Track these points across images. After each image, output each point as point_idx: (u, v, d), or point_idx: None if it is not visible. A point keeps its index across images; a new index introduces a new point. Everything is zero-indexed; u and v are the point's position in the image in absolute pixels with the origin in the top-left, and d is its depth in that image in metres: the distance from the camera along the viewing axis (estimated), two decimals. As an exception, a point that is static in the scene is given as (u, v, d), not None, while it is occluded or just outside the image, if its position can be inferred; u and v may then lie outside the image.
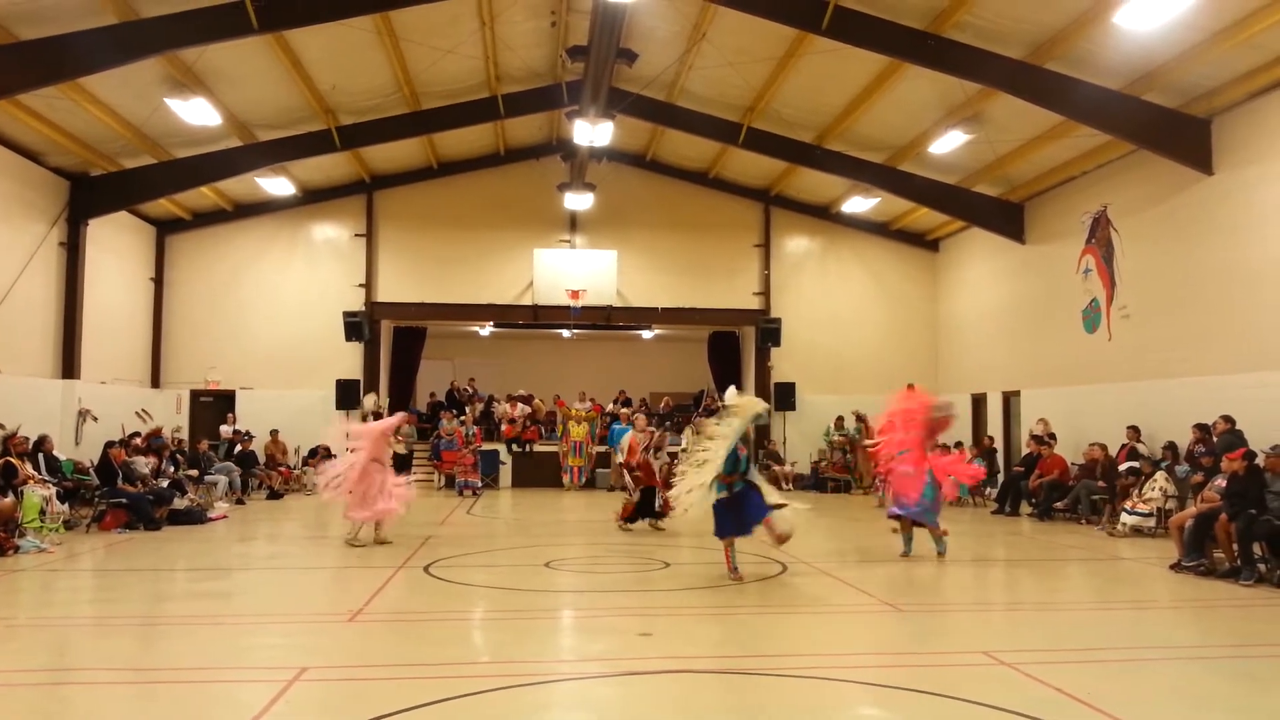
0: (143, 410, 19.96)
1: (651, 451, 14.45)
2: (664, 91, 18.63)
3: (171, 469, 16.32)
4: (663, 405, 25.37)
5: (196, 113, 15.76)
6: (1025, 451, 17.58)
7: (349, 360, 22.46)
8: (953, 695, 5.58)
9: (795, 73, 16.61)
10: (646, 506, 13.76)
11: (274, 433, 21.07)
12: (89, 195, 18.09)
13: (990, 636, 7.37)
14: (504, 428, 23.27)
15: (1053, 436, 16.74)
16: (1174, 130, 14.61)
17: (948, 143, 17.13)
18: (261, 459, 20.35)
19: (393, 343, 24.27)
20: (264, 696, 5.50)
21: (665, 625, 7.94)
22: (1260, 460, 10.13)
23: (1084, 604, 9.38)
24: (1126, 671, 6.39)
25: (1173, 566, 10.23)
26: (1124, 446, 15.15)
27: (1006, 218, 20.02)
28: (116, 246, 19.93)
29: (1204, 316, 14.62)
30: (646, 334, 27.38)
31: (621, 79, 17.75)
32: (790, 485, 21.72)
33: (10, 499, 11.90)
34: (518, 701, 5.60)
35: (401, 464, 21.64)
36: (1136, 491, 13.72)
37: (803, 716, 5.45)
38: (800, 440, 23.11)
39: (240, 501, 18.00)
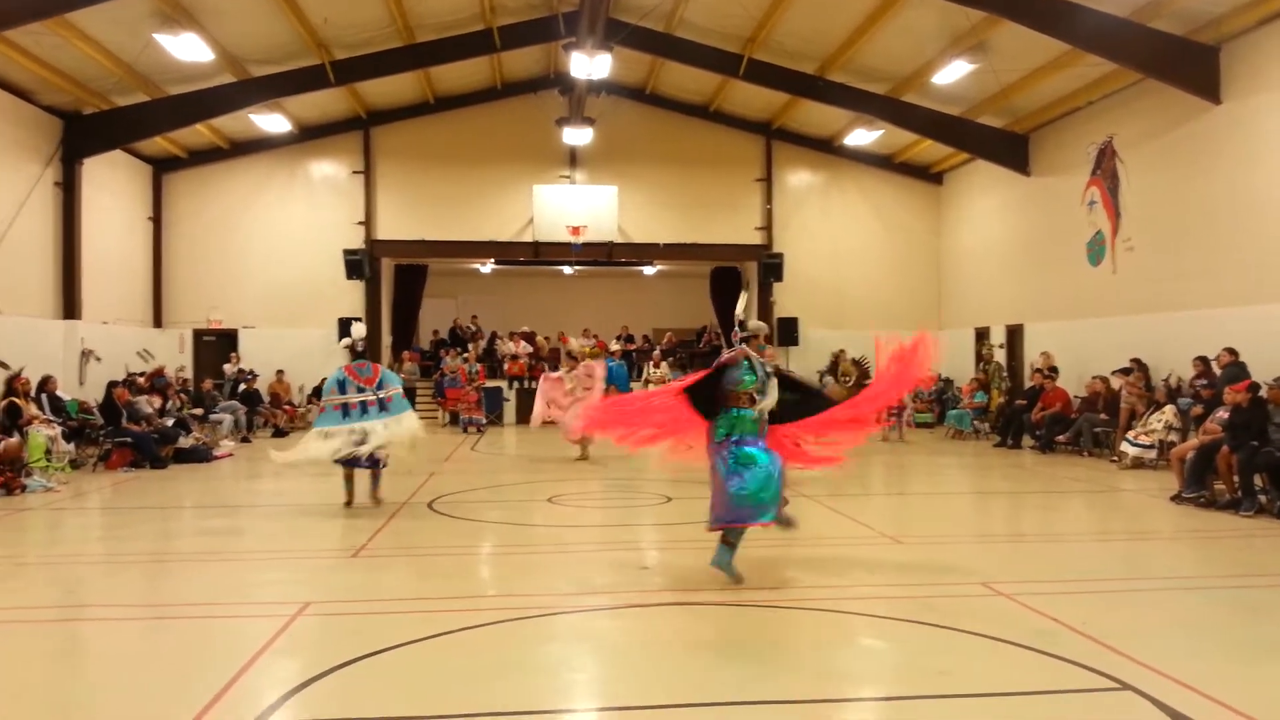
0: (144, 350, 19.97)
1: None
2: (663, 22, 18.27)
3: (176, 407, 16.38)
4: (665, 341, 25.36)
5: (187, 48, 15.49)
6: (1029, 384, 17.58)
7: (350, 298, 22.35)
8: (952, 626, 5.62)
9: (797, 1, 16.28)
10: None
11: (279, 373, 21.11)
12: (82, 134, 17.80)
13: (989, 568, 7.41)
14: (507, 365, 23.29)
15: (1055, 370, 16.73)
16: (1181, 58, 14.34)
17: (951, 73, 16.83)
18: (266, 397, 20.41)
19: (394, 280, 24.16)
20: (268, 631, 5.56)
21: (666, 559, 8.00)
22: (1264, 392, 10.14)
23: (1084, 535, 9.43)
24: (1125, 602, 6.42)
25: (1173, 498, 10.28)
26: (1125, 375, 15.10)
27: (1011, 150, 19.77)
28: (113, 186, 19.72)
29: (1209, 249, 14.49)
30: (648, 270, 27.25)
31: (619, 9, 17.38)
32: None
33: (16, 439, 11.97)
34: (520, 634, 5.65)
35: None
36: (1142, 420, 13.73)
37: (803, 647, 5.51)
38: (803, 375, 22.99)
39: (245, 440, 18.10)
